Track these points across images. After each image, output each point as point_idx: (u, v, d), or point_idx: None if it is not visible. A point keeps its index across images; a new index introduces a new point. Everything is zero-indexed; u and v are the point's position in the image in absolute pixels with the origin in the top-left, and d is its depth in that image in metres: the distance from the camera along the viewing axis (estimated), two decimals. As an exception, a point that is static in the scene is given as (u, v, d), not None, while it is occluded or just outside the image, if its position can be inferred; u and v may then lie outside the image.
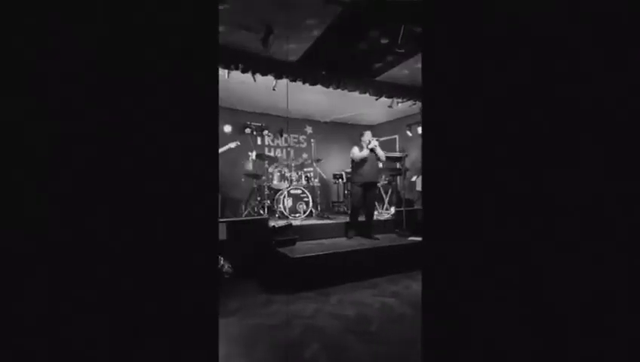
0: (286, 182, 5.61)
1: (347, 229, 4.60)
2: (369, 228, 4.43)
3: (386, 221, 5.20)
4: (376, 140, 4.39)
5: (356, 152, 4.33)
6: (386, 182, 6.09)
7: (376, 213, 4.94)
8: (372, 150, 4.30)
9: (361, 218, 4.54)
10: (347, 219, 4.79)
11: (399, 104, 5.65)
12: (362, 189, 4.31)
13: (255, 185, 5.64)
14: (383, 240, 4.36)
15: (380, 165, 4.59)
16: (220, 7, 3.00)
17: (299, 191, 5.35)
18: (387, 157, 4.68)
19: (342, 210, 6.40)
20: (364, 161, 4.27)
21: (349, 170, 5.89)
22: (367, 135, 4.40)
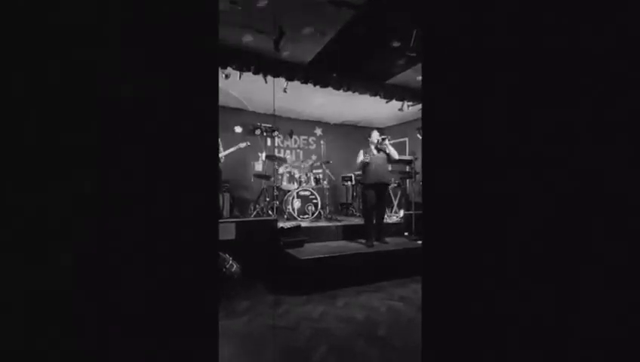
0: (295, 183, 5.63)
1: (366, 237, 4.24)
2: (379, 231, 4.39)
3: (395, 224, 5.18)
4: (387, 137, 4.26)
5: (359, 158, 4.24)
6: (395, 185, 6.07)
7: (385, 216, 4.88)
8: (380, 149, 4.22)
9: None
10: (354, 221, 4.71)
11: (410, 107, 5.63)
12: (374, 191, 4.16)
13: (264, 186, 5.67)
14: (392, 243, 4.34)
15: (390, 168, 4.52)
16: (233, 9, 3.03)
17: (307, 193, 5.36)
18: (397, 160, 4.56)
19: (350, 212, 6.39)
20: (371, 161, 4.17)
21: (358, 172, 5.87)
22: (375, 135, 4.29)
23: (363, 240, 4.30)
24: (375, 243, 4.22)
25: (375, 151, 4.22)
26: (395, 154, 4.27)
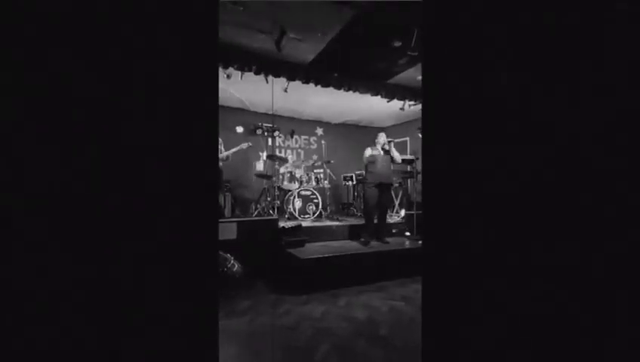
0: (296, 183, 5.63)
1: (362, 235, 4.34)
2: (380, 231, 4.39)
3: (396, 224, 5.17)
4: (391, 141, 4.33)
5: (365, 154, 4.30)
6: (397, 185, 6.06)
7: (387, 216, 4.87)
8: (386, 151, 4.26)
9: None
10: (355, 221, 4.70)
11: (411, 106, 5.62)
12: (377, 190, 4.19)
13: (265, 186, 5.67)
14: (393, 243, 4.33)
15: (392, 167, 4.54)
16: (234, 9, 3.03)
17: (308, 193, 5.36)
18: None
19: (351, 212, 6.39)
20: (376, 160, 4.20)
21: (359, 172, 5.87)
22: (382, 137, 4.34)
23: (362, 239, 4.31)
24: (374, 242, 4.21)
25: (382, 152, 4.25)
26: (399, 159, 4.35)
